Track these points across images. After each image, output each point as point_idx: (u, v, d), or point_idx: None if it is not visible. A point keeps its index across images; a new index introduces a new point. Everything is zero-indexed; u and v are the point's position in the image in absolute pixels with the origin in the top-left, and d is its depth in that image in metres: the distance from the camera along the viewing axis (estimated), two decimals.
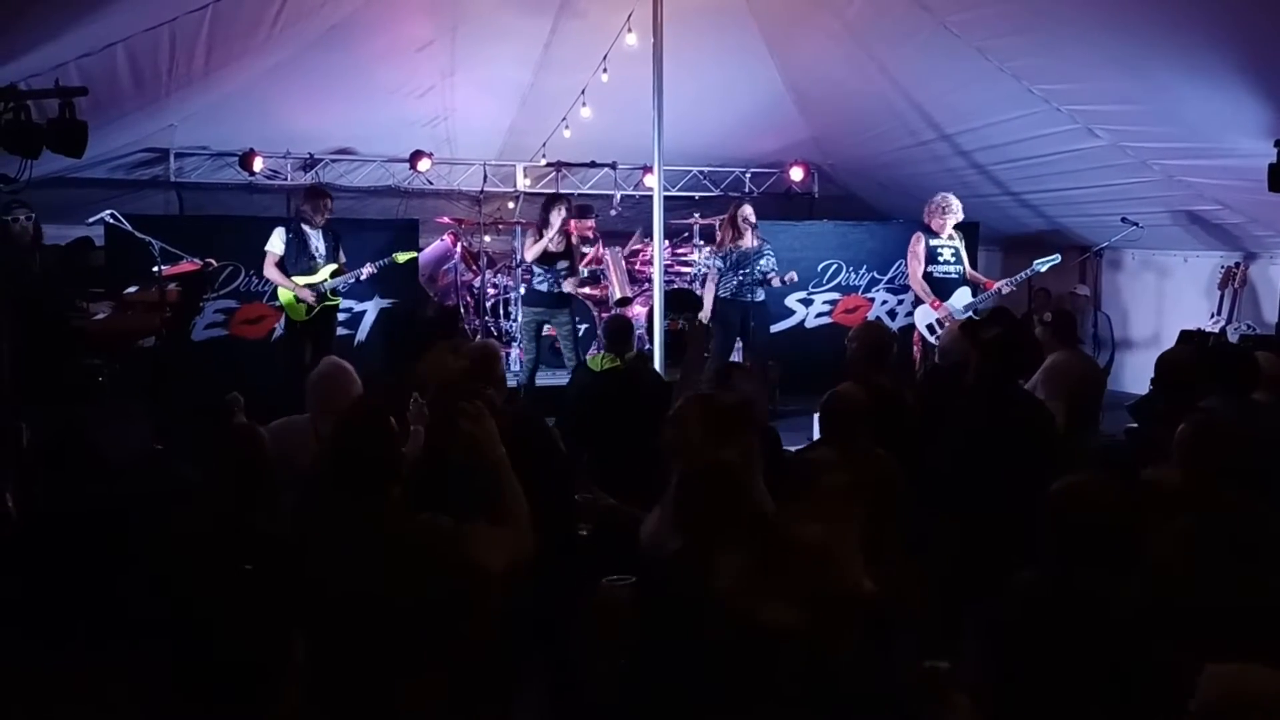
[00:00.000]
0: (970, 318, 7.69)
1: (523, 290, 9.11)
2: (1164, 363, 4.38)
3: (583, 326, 9.30)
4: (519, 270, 10.26)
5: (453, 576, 2.86)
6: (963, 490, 4.03)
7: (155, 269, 7.43)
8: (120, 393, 7.22)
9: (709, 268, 8.66)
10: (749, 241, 8.39)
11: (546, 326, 8.53)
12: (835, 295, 10.11)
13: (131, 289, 7.66)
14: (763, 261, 8.41)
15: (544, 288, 8.42)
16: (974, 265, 9.38)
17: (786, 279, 8.53)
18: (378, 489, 2.95)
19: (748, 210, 8.49)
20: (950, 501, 4.08)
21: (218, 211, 10.17)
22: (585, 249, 9.84)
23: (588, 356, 7.31)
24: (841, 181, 11.93)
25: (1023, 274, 8.34)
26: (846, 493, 3.31)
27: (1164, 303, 10.28)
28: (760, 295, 8.47)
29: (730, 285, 8.37)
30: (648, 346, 8.52)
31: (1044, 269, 8.26)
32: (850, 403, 4.10)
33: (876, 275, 10.20)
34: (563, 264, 8.46)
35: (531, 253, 8.42)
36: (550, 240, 8.31)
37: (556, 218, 8.38)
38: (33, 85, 5.17)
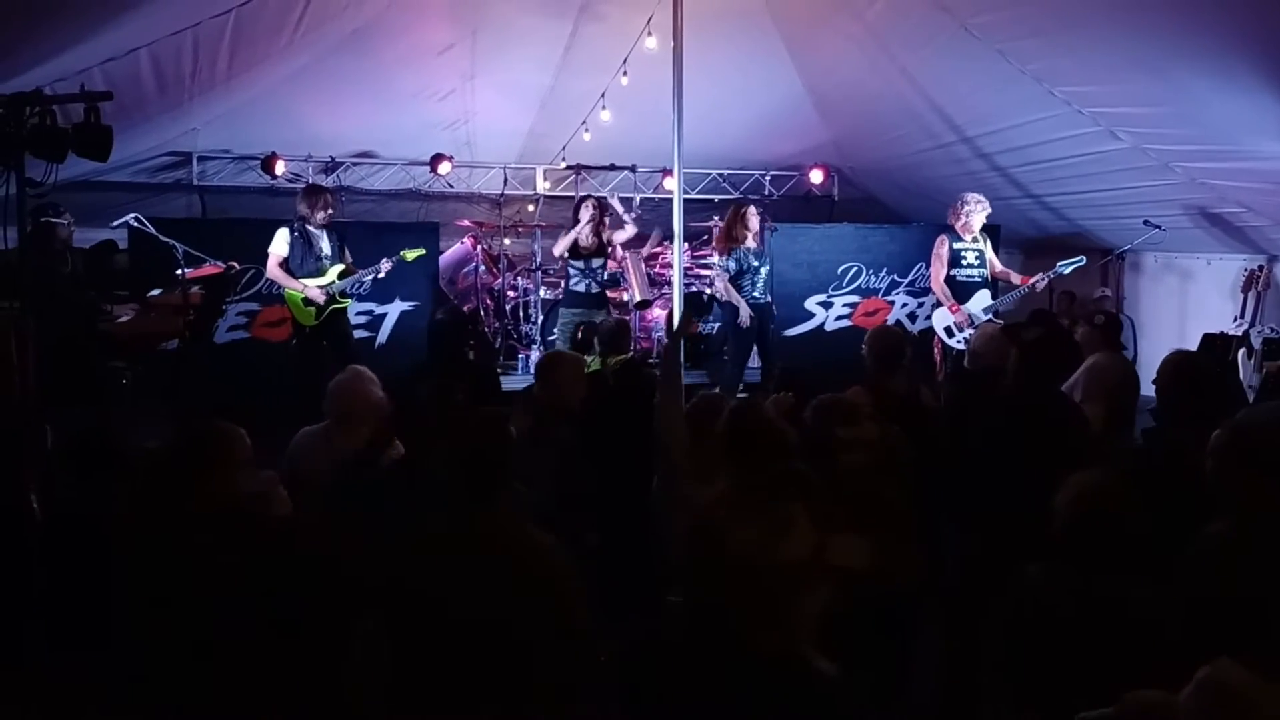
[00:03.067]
0: (1011, 322, 7.73)
1: (554, 293, 9.07)
2: (1177, 367, 4.35)
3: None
4: (537, 274, 10.28)
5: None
6: (996, 491, 4.01)
7: (179, 272, 7.45)
8: (143, 395, 7.27)
9: (720, 271, 8.61)
10: (752, 244, 8.41)
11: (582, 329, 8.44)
12: (855, 298, 10.08)
13: (155, 292, 7.69)
14: (763, 269, 8.47)
15: (581, 288, 8.44)
16: None
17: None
18: (495, 495, 2.97)
19: (753, 209, 8.52)
20: (982, 502, 4.06)
21: (240, 215, 10.24)
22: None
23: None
24: (862, 184, 11.91)
25: (1045, 275, 8.25)
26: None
27: (1187, 306, 10.21)
28: (768, 297, 8.50)
29: (749, 290, 8.38)
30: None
31: (1067, 271, 8.19)
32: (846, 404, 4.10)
33: (897, 278, 10.16)
34: (597, 262, 8.46)
35: (561, 245, 8.43)
36: (580, 234, 8.32)
37: (585, 213, 8.39)
38: (58, 90, 5.22)
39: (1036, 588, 2.93)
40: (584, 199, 8.67)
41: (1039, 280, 8.14)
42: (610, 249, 8.69)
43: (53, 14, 5.00)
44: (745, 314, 8.32)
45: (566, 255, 8.46)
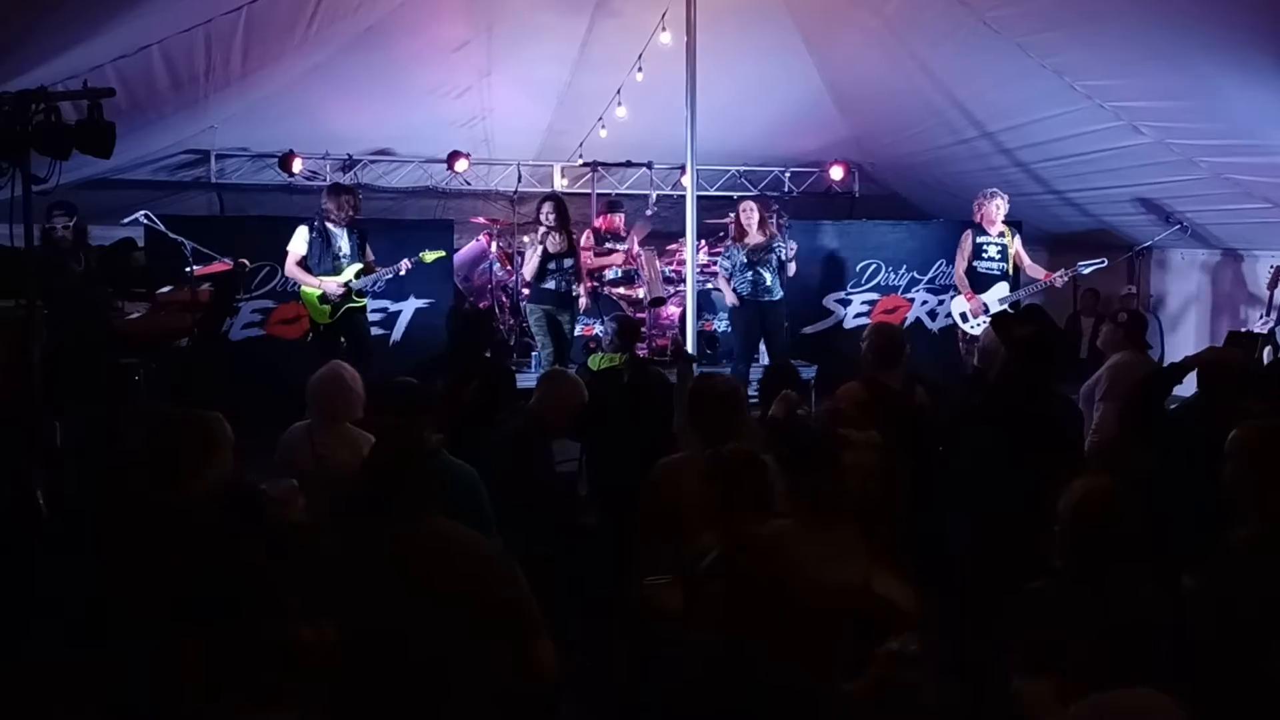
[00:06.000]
0: (1004, 312, 7.83)
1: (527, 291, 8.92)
2: (1208, 364, 4.29)
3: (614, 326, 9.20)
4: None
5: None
6: (987, 488, 3.97)
7: (187, 269, 7.45)
8: (155, 392, 7.27)
9: (720, 270, 8.60)
10: (756, 237, 8.32)
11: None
12: (874, 295, 9.97)
13: (165, 289, 7.70)
14: (776, 252, 8.35)
15: (550, 285, 8.27)
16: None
17: (789, 261, 8.48)
18: (414, 514, 2.91)
19: (747, 205, 8.47)
20: (974, 500, 4.02)
21: (258, 213, 10.25)
22: (618, 245, 9.79)
23: (589, 358, 7.24)
24: (883, 180, 11.82)
25: (1064, 273, 8.39)
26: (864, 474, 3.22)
27: (1215, 303, 10.06)
28: (778, 295, 8.38)
29: (745, 286, 8.31)
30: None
31: (1087, 271, 8.45)
32: (844, 400, 4.06)
33: (916, 275, 10.04)
34: (568, 262, 8.29)
35: (528, 270, 8.33)
36: (549, 244, 8.20)
37: (545, 217, 8.25)
38: (70, 88, 5.21)
39: (1047, 602, 2.86)
40: (545, 200, 8.50)
41: (1060, 276, 8.36)
42: (578, 247, 8.54)
43: (58, 10, 5.00)
44: (731, 299, 8.37)
45: (532, 277, 8.32)
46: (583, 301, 8.56)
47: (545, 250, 8.20)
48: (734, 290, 8.34)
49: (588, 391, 4.82)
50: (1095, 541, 2.82)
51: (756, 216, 8.36)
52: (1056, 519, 2.86)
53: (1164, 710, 2.02)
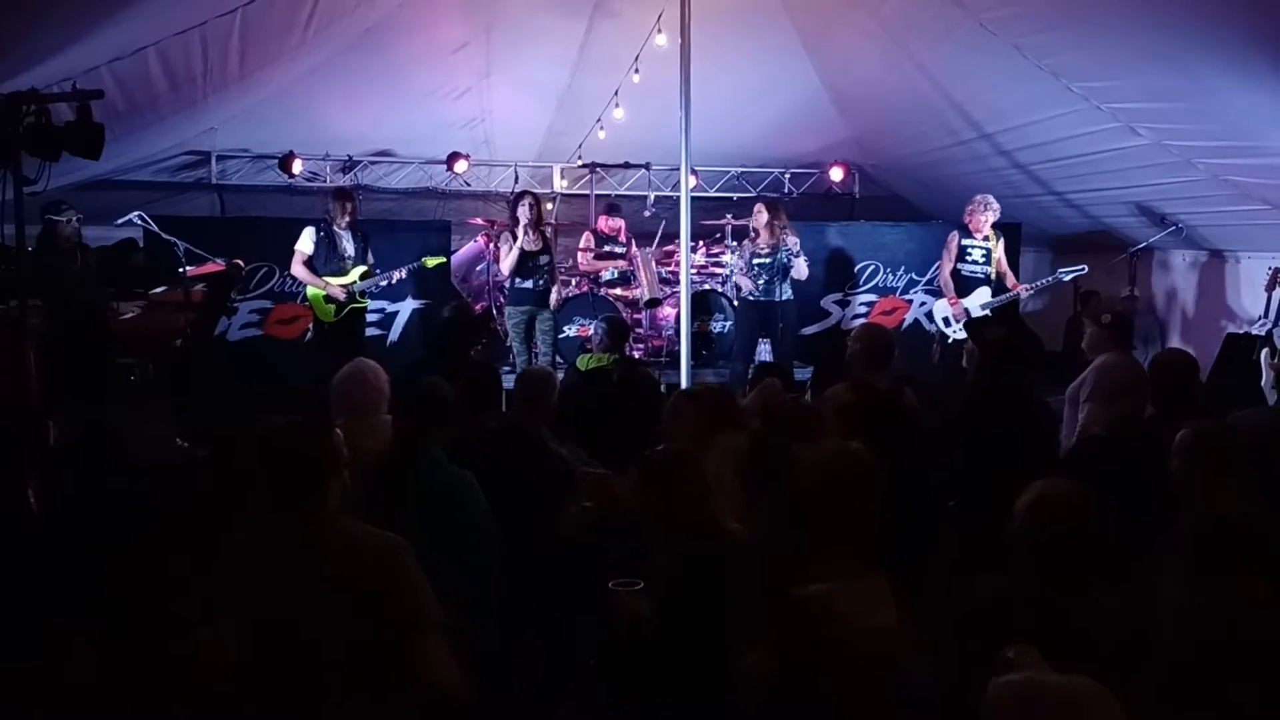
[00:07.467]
0: (980, 317, 8.23)
1: (567, 292, 8.94)
2: (1158, 367, 4.31)
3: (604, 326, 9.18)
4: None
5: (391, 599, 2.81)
6: (966, 489, 3.98)
7: (181, 269, 7.49)
8: (151, 392, 7.31)
9: (735, 267, 8.77)
10: (766, 239, 8.38)
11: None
12: (872, 297, 9.96)
13: (159, 289, 7.75)
14: (780, 255, 8.37)
15: (529, 285, 8.32)
16: (1016, 266, 9.27)
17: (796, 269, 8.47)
18: (313, 494, 2.89)
19: (757, 206, 8.58)
20: (956, 501, 4.03)
21: (259, 214, 10.28)
22: (616, 249, 9.79)
23: (578, 358, 7.25)
24: (883, 181, 11.80)
25: (1045, 280, 8.73)
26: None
27: (1216, 305, 10.03)
28: (788, 294, 8.43)
29: (757, 285, 8.36)
30: (677, 347, 8.45)
31: (1067, 279, 8.67)
32: (831, 403, 4.08)
33: (915, 276, 10.02)
34: (544, 259, 8.36)
35: (506, 265, 8.34)
36: (524, 242, 8.23)
37: (522, 214, 8.28)
38: (63, 90, 5.25)
39: (994, 598, 2.87)
40: (521, 197, 8.54)
41: (1025, 289, 8.64)
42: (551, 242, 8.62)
43: (53, 8, 5.02)
44: (747, 288, 8.47)
45: (510, 272, 8.36)
46: (553, 300, 8.53)
47: (523, 249, 8.24)
48: (742, 295, 8.49)
49: (578, 391, 4.84)
50: (1043, 541, 2.83)
51: (765, 217, 8.43)
52: (1014, 517, 2.88)
53: (1099, 700, 2.02)
